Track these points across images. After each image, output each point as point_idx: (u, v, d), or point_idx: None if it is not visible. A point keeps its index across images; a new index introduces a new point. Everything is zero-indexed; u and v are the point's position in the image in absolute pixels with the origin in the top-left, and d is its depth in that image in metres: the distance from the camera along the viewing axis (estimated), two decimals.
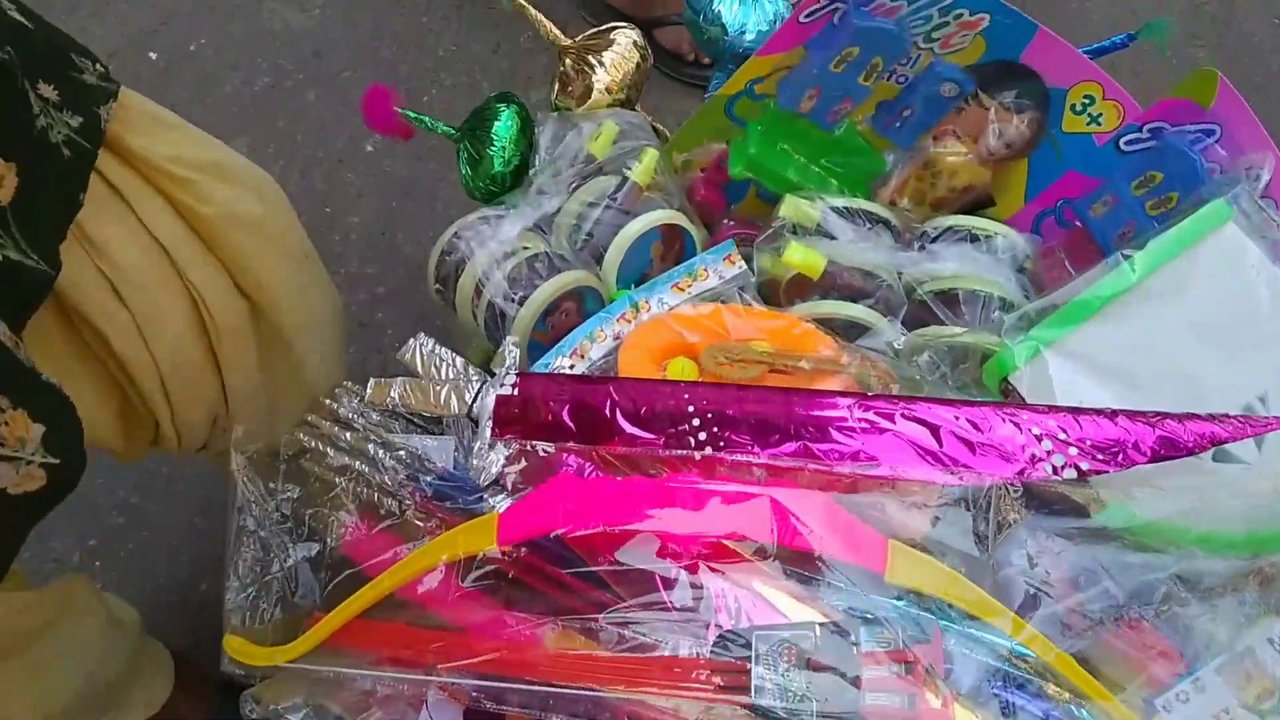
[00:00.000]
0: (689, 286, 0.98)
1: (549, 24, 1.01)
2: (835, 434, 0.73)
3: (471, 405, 0.86)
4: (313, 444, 0.94)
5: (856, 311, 0.93)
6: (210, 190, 0.81)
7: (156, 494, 1.32)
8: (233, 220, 0.84)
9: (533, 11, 1.00)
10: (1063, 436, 0.70)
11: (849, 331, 0.94)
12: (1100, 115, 0.97)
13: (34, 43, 0.70)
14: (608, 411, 0.80)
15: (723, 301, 0.98)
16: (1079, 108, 0.97)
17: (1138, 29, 0.99)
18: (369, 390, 0.90)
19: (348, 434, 0.94)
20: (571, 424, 0.81)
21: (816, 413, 0.75)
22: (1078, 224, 0.98)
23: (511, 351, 0.89)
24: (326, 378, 1.05)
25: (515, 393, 0.83)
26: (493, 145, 0.99)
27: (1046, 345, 0.76)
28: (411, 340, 0.93)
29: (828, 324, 0.93)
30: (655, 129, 1.11)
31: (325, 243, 1.51)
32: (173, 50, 1.73)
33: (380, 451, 0.91)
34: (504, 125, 0.99)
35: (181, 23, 1.77)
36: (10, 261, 0.66)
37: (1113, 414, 0.70)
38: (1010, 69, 0.97)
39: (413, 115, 1.01)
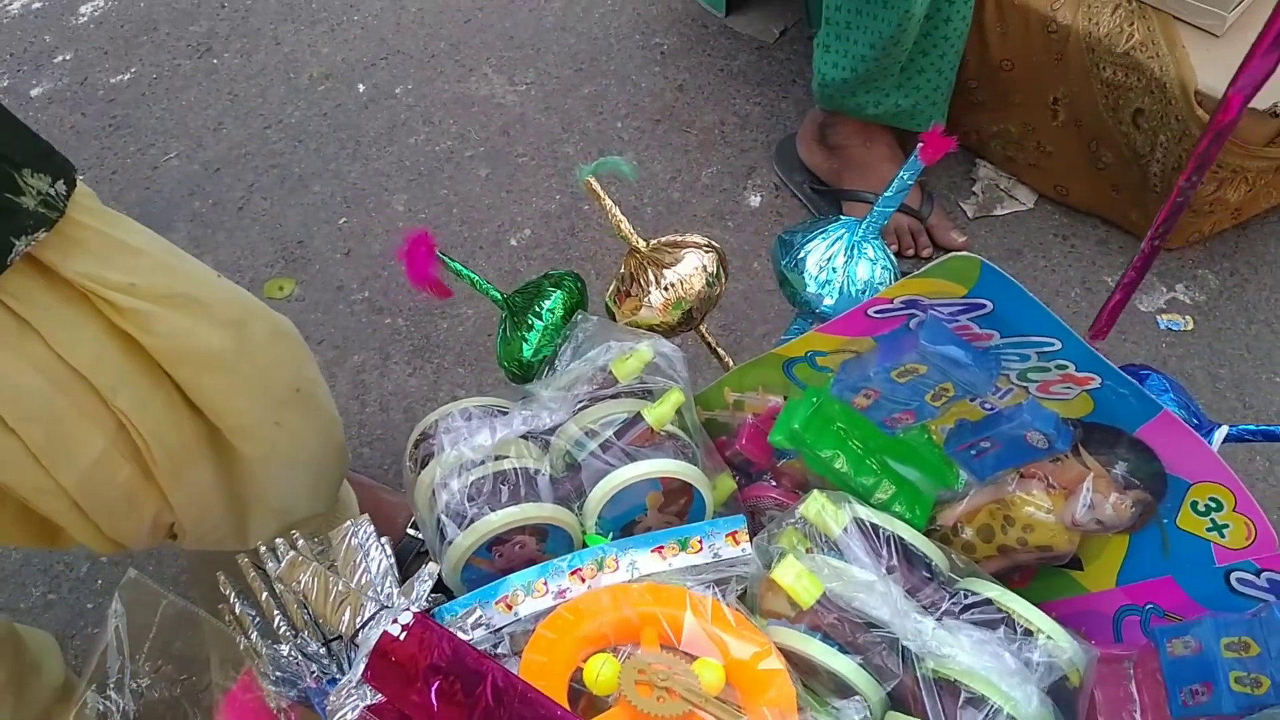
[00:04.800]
0: (673, 556, 0.84)
1: (624, 221, 0.90)
2: None
3: (358, 630, 0.77)
4: (229, 594, 0.88)
5: (843, 668, 0.77)
6: (157, 321, 0.76)
7: None
8: (182, 354, 0.79)
9: (608, 202, 0.89)
10: None
11: (827, 682, 0.78)
12: (1226, 527, 0.75)
13: None
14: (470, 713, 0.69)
15: (711, 586, 0.84)
16: (1202, 508, 0.76)
17: None
18: (282, 565, 0.82)
19: (264, 594, 0.87)
20: (435, 704, 0.70)
21: None
22: None
23: (424, 581, 0.78)
24: (297, 511, 0.99)
25: (404, 638, 0.73)
26: (529, 329, 0.90)
27: None
28: (349, 523, 0.85)
29: (806, 668, 0.78)
30: (717, 353, 0.98)
31: (434, 330, 1.47)
32: (380, 88, 1.74)
33: (282, 626, 0.84)
34: (546, 312, 0.90)
35: (398, 63, 1.78)
36: None
37: None
38: (1125, 439, 0.77)
39: (458, 269, 0.93)
